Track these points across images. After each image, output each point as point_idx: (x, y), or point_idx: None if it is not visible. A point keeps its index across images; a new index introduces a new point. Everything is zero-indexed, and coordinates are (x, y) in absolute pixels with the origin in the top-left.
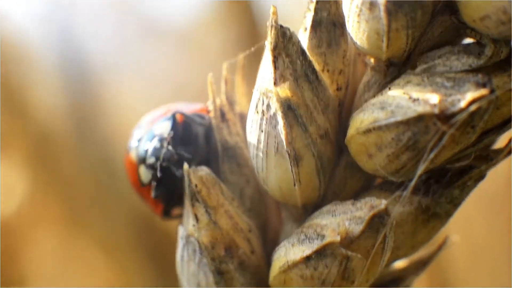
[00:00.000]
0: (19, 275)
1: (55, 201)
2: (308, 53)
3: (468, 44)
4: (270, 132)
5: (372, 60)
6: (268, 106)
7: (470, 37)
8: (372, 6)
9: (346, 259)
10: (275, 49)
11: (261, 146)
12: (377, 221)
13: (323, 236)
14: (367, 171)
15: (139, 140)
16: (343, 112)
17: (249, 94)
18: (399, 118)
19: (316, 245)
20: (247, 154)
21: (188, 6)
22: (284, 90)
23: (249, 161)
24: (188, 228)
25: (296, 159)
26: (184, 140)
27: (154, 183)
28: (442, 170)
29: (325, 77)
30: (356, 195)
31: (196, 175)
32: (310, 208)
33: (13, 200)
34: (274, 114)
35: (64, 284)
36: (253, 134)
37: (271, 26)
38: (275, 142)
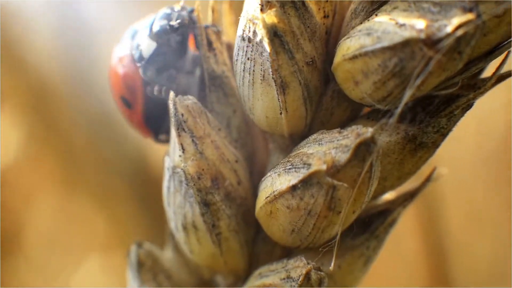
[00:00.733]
0: (16, 230)
1: (52, 155)
2: None
3: None
4: (256, 60)
5: None
6: (255, 33)
7: None
8: None
9: (333, 189)
10: None
11: (248, 74)
12: (363, 149)
13: (309, 165)
14: (354, 99)
15: (135, 31)
16: (330, 40)
17: (237, 23)
18: (385, 43)
19: (302, 174)
20: (234, 84)
21: None
22: (271, 17)
23: (236, 91)
24: (174, 159)
25: (282, 87)
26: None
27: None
28: (429, 98)
29: (312, 4)
30: (343, 125)
31: (182, 104)
32: (296, 138)
33: (10, 153)
34: (261, 41)
35: (62, 237)
36: (240, 61)
37: None
38: (261, 69)
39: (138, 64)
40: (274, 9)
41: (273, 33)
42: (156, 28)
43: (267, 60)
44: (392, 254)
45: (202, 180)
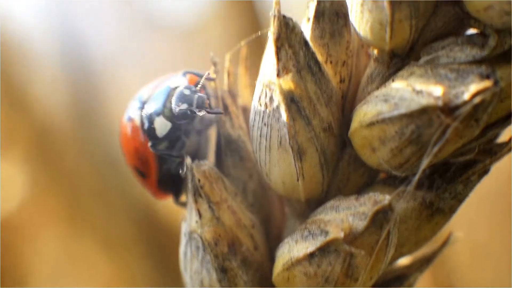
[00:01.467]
0: (21, 274)
1: (57, 197)
2: (311, 44)
3: (472, 35)
4: (273, 125)
5: (375, 51)
6: (271, 98)
7: (474, 27)
8: None
9: (350, 256)
10: (278, 40)
11: (264, 139)
12: (381, 217)
13: (326, 232)
14: (371, 166)
15: (146, 102)
16: (346, 104)
17: (252, 86)
18: (402, 110)
19: (319, 241)
20: (250, 148)
21: (190, 2)
22: (287, 82)
23: (252, 155)
24: (191, 224)
25: (299, 153)
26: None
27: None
28: (446, 165)
29: (328, 69)
30: (359, 190)
31: (199, 169)
32: (313, 204)
33: (14, 197)
34: (277, 106)
35: (66, 281)
36: (256, 127)
37: (274, 16)
38: (278, 135)
39: (150, 143)
40: (290, 74)
41: (290, 99)
42: (174, 110)
43: (284, 126)
44: None
45: (219, 246)
